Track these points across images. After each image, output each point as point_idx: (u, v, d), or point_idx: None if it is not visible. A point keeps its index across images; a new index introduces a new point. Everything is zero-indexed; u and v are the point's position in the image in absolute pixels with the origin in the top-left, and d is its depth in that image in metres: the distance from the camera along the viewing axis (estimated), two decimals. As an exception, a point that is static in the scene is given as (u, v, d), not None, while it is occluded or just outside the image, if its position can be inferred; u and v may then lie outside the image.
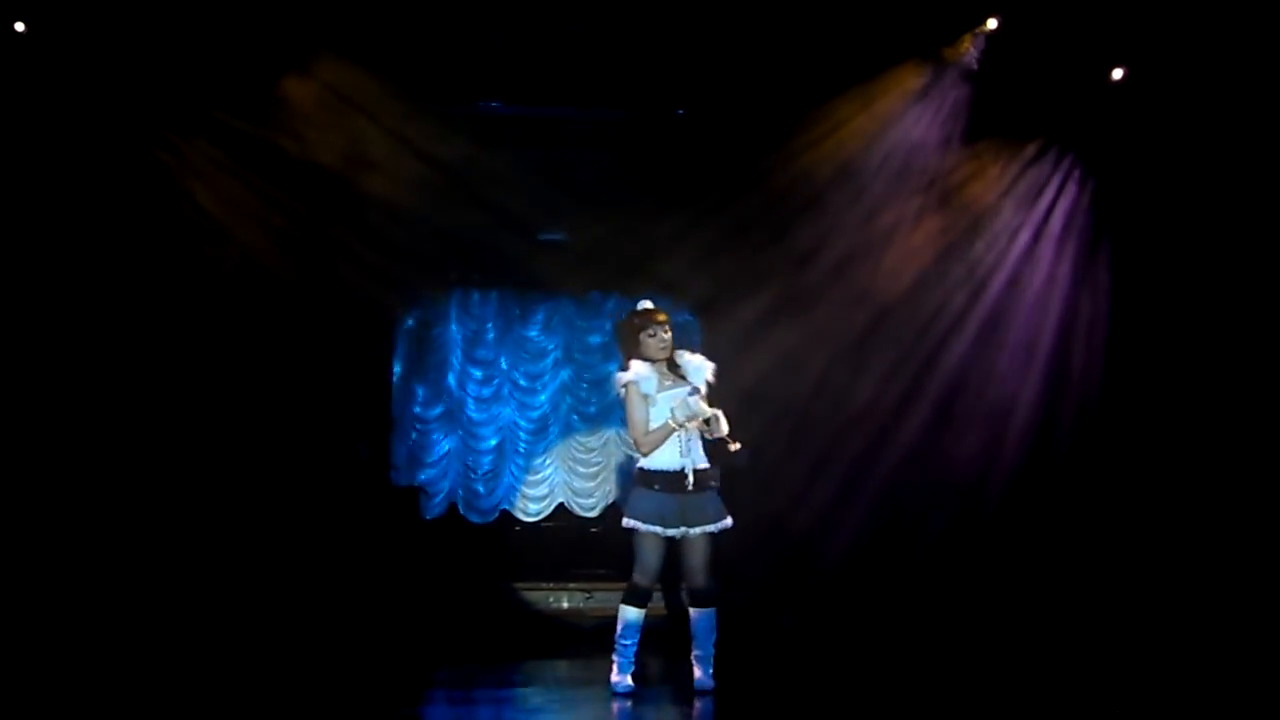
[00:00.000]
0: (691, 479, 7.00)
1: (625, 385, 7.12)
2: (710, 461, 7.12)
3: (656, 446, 7.02)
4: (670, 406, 7.00)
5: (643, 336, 7.13)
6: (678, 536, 7.01)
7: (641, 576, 7.06)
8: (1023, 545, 10.84)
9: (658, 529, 6.98)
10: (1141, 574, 10.20)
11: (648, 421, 7.06)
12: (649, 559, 7.03)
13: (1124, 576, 10.31)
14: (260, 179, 11.22)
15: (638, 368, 7.13)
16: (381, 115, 11.17)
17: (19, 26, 9.99)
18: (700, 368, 7.16)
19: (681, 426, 6.98)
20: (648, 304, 7.28)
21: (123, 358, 10.82)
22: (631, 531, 7.07)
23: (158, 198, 10.97)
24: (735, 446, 6.94)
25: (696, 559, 7.07)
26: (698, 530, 7.00)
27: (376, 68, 10.85)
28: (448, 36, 10.73)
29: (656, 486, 7.03)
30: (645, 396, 7.07)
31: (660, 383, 7.11)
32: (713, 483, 7.11)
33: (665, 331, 7.14)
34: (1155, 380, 10.64)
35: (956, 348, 11.35)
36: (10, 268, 10.45)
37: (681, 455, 7.04)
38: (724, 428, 6.97)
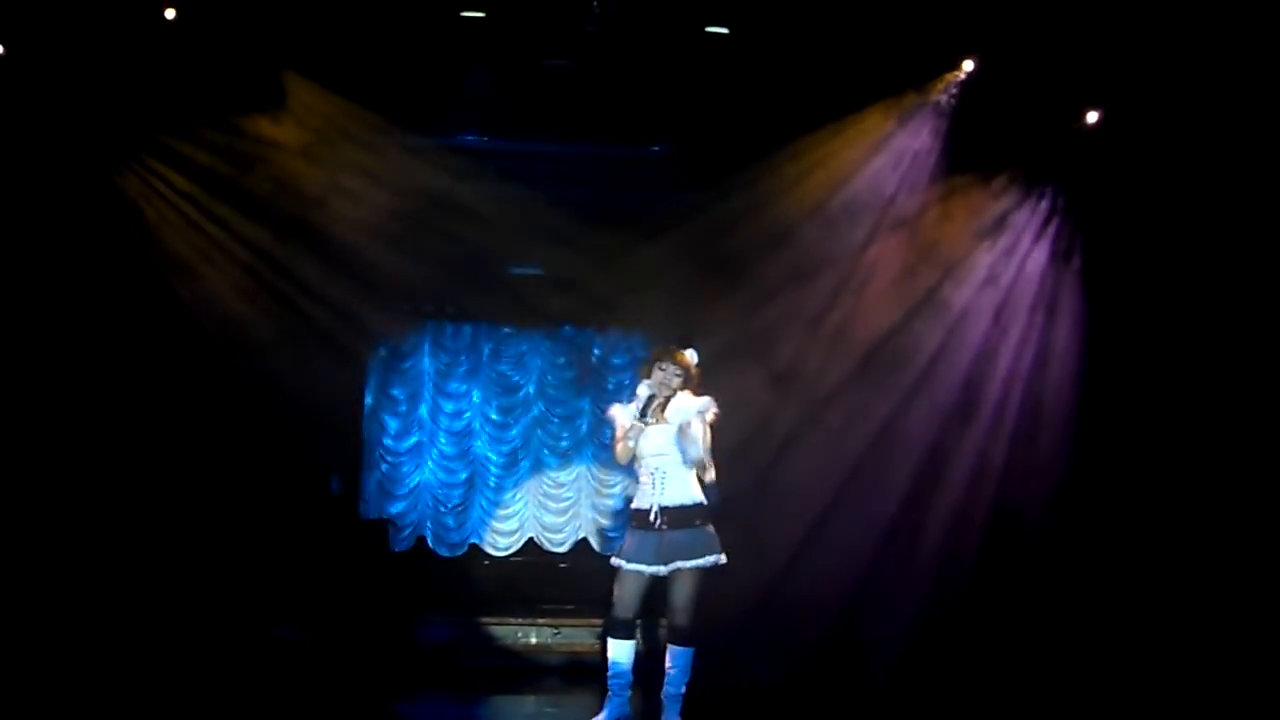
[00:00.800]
0: (659, 518, 7.00)
1: (610, 414, 7.32)
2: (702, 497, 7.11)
3: (627, 450, 7.12)
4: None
5: (654, 367, 7.20)
6: (649, 574, 7.01)
7: (615, 609, 7.12)
8: (998, 593, 10.82)
9: (624, 564, 7.08)
10: (1122, 627, 10.20)
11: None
12: (623, 592, 7.09)
13: (1105, 631, 10.30)
14: (230, 209, 11.19)
15: (633, 404, 7.18)
16: (356, 147, 11.16)
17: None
18: (685, 408, 7.14)
19: (639, 424, 7.02)
20: (688, 351, 7.33)
21: (87, 389, 10.72)
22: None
23: (126, 229, 10.93)
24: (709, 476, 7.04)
25: (678, 597, 7.07)
26: (670, 567, 6.99)
27: (352, 99, 10.85)
28: (424, 69, 10.75)
29: (633, 524, 7.14)
30: (623, 439, 7.16)
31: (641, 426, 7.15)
32: (697, 520, 7.08)
33: (674, 377, 7.14)
34: (1130, 416, 10.68)
35: (929, 386, 11.36)
36: None
37: (652, 494, 7.06)
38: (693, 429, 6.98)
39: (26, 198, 10.46)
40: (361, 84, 10.72)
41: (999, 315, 11.38)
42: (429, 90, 10.96)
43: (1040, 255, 11.35)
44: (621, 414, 7.23)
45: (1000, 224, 11.36)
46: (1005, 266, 11.38)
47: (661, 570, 7.01)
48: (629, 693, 7.10)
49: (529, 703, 8.98)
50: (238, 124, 10.90)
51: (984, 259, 11.39)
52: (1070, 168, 11.09)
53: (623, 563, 7.10)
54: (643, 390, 7.12)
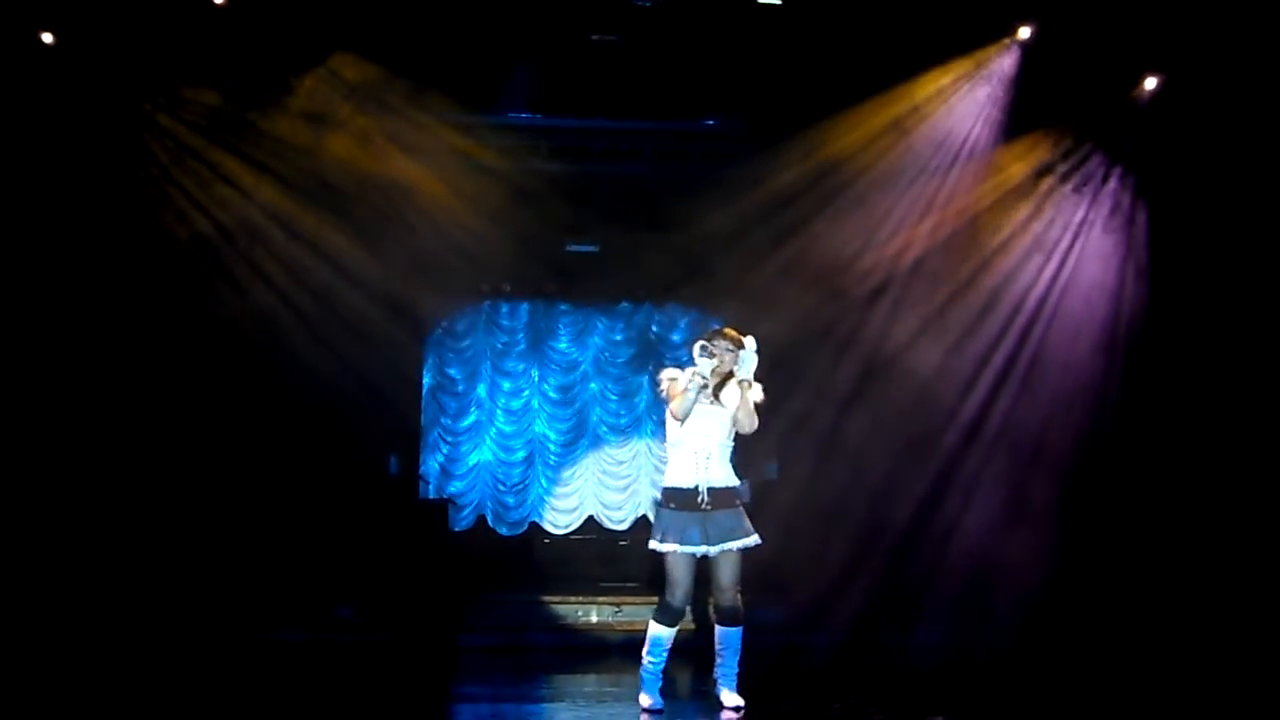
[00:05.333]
0: (706, 497, 6.92)
1: (670, 380, 7.01)
2: (739, 478, 7.02)
3: (685, 410, 6.87)
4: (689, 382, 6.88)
5: (714, 340, 7.02)
6: (698, 555, 6.91)
7: (673, 596, 6.94)
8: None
9: (677, 547, 6.88)
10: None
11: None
12: (680, 578, 6.92)
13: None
14: (284, 193, 11.20)
15: (688, 370, 6.99)
16: (410, 126, 11.13)
17: (47, 38, 10.01)
18: (735, 396, 7.00)
19: (699, 390, 6.83)
20: (726, 332, 7.16)
21: (148, 371, 10.83)
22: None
23: (179, 216, 11.00)
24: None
25: (725, 577, 6.96)
26: (718, 548, 6.90)
27: (408, 78, 10.81)
28: (476, 47, 10.68)
29: (673, 505, 6.96)
30: (684, 391, 6.92)
31: (701, 392, 6.96)
32: (737, 501, 7.00)
33: (727, 353, 6.97)
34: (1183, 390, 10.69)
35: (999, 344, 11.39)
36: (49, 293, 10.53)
37: (696, 474, 6.96)
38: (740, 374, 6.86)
39: (82, 183, 10.55)
40: (414, 62, 10.69)
41: (1061, 276, 11.35)
42: (481, 67, 10.90)
43: (1109, 215, 11.31)
44: (681, 374, 7.00)
45: (1069, 183, 11.32)
46: (1066, 227, 11.34)
47: (712, 551, 6.91)
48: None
49: (590, 681, 8.94)
50: (289, 106, 10.90)
51: (1044, 220, 11.35)
52: (1136, 124, 11.00)
53: (676, 547, 6.90)
54: (703, 360, 6.89)
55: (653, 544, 7.01)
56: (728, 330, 7.07)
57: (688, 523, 6.91)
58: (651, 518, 13.73)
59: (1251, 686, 8.11)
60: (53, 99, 10.28)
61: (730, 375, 7.00)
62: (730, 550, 6.91)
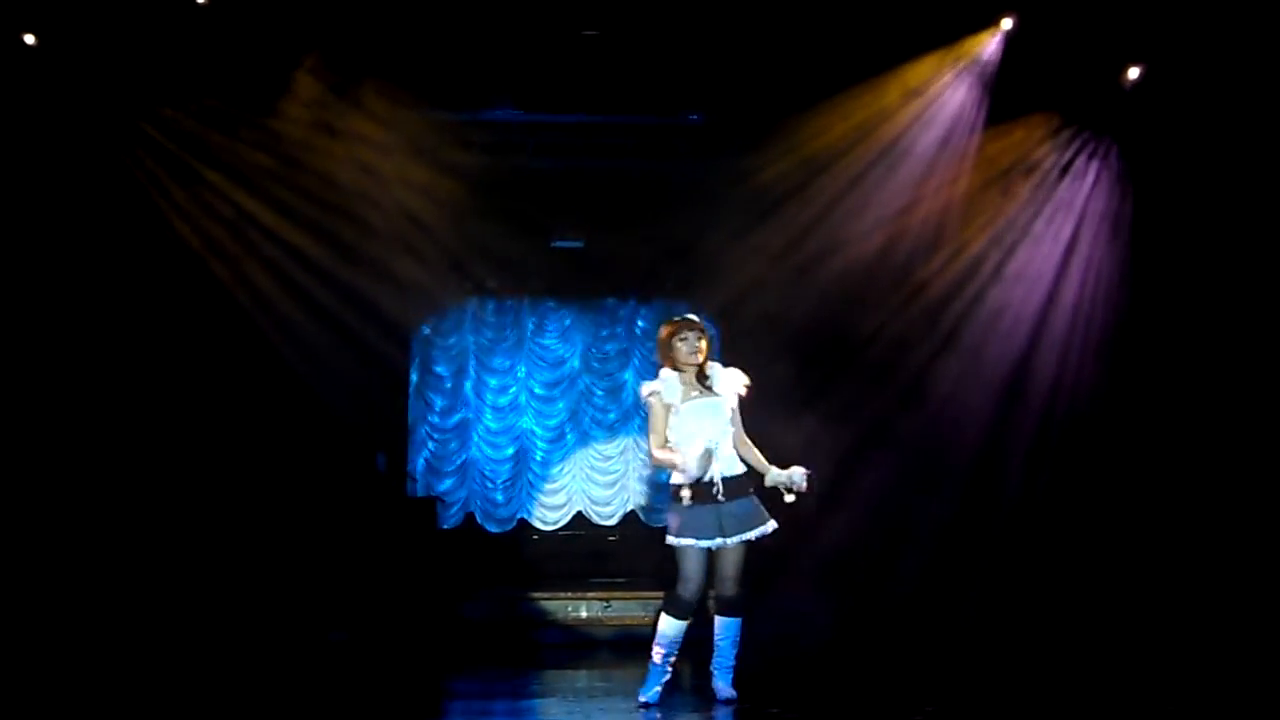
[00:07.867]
0: (721, 488, 6.86)
1: (649, 395, 6.99)
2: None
3: (661, 468, 6.89)
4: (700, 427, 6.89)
5: (675, 341, 7.04)
6: (714, 548, 6.86)
7: (685, 589, 6.86)
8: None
9: (694, 542, 6.79)
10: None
11: (664, 435, 6.92)
12: (692, 571, 6.83)
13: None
14: (273, 189, 11.19)
15: (665, 376, 7.00)
16: (393, 123, 11.12)
17: (29, 39, 9.97)
18: (733, 380, 7.03)
19: (702, 478, 6.83)
20: (690, 316, 7.21)
21: (131, 371, 10.81)
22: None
23: (164, 212, 10.97)
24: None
25: (729, 567, 6.90)
26: (735, 539, 6.85)
27: (388, 76, 10.79)
28: (460, 44, 10.66)
29: (688, 500, 6.87)
30: (668, 406, 6.93)
31: (686, 393, 6.97)
32: (750, 489, 6.96)
33: (698, 339, 7.02)
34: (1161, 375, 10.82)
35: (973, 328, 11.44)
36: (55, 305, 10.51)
37: (708, 466, 6.89)
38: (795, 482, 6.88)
39: (67, 187, 10.53)
40: (397, 60, 10.67)
41: (1047, 264, 11.43)
42: (465, 65, 10.89)
43: (1100, 206, 11.37)
44: (662, 393, 6.94)
45: (1043, 172, 11.35)
46: (1048, 215, 11.40)
47: (728, 543, 6.85)
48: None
49: (580, 677, 8.92)
50: (277, 105, 10.88)
51: (1026, 208, 11.45)
52: (1114, 118, 11.02)
53: (693, 541, 6.77)
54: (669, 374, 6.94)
55: (669, 539, 6.88)
56: (697, 323, 7.11)
57: (703, 516, 6.82)
58: (641, 514, 13.92)
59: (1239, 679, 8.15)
60: (40, 108, 10.26)
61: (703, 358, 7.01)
62: (742, 541, 6.88)
